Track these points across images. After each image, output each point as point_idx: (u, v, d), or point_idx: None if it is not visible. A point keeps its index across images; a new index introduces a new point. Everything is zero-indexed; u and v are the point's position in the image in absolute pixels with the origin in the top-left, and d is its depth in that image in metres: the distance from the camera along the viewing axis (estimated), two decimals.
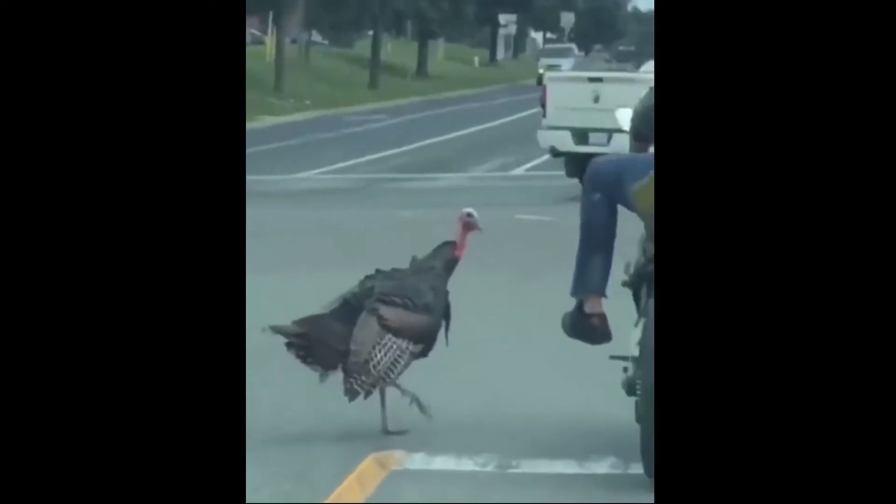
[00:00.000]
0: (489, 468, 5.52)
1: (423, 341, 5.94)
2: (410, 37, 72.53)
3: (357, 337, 5.82)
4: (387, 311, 5.89)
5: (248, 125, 26.14)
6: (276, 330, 5.82)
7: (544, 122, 19.56)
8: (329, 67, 54.05)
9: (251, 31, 46.34)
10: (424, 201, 18.16)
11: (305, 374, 5.99)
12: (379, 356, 5.84)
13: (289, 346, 5.86)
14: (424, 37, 67.11)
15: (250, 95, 23.40)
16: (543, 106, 19.65)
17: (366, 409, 5.92)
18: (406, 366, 5.91)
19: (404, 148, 28.65)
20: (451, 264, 6.08)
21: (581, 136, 18.55)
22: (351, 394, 5.82)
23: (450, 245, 6.09)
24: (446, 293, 6.03)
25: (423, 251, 6.20)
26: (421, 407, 5.90)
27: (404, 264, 6.15)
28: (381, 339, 5.85)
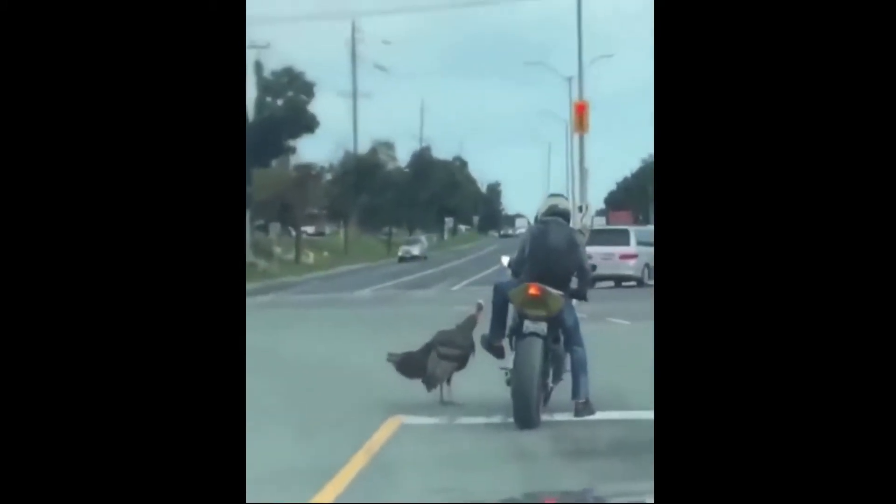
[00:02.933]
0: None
1: (458, 361, 12.82)
2: None
3: (429, 362, 12.88)
4: (441, 349, 12.95)
5: None
6: (389, 357, 13.14)
7: None
8: None
9: None
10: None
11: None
12: (438, 371, 12.80)
13: (395, 365, 13.12)
14: None
15: None
16: None
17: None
18: (449, 374, 12.86)
19: None
20: (472, 323, 13.16)
21: None
22: (430, 385, 12.79)
23: (473, 316, 13.25)
24: (472, 339, 12.91)
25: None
26: (451, 398, 12.77)
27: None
28: (437, 362, 12.84)
